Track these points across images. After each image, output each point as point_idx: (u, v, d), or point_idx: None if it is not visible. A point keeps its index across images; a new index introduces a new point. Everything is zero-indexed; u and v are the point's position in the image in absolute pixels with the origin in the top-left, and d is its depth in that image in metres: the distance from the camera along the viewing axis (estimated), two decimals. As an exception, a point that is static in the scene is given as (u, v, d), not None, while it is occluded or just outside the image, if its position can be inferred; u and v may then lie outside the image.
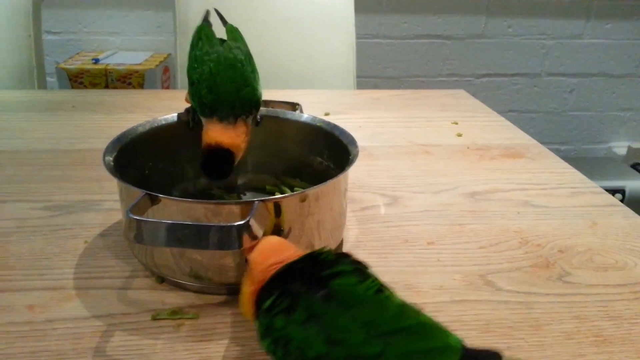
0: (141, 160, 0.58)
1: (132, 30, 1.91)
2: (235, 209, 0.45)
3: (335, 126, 0.61)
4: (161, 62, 1.77)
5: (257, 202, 0.44)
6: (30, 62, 1.22)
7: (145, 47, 1.91)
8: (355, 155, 0.53)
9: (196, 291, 0.48)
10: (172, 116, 0.61)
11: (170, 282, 0.49)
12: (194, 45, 0.60)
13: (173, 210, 0.45)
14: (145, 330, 0.44)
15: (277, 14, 1.25)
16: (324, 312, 0.32)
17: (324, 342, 0.30)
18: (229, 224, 0.41)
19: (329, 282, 0.33)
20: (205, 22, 0.63)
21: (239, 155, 0.58)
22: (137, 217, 0.40)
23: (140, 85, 1.66)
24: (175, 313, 0.45)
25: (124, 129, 0.56)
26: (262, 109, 0.64)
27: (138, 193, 0.44)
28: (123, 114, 0.93)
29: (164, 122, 0.61)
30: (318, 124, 0.62)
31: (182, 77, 1.24)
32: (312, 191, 0.48)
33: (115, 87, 1.65)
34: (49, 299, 0.47)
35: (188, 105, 0.61)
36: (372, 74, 2.06)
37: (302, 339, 0.31)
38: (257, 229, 0.42)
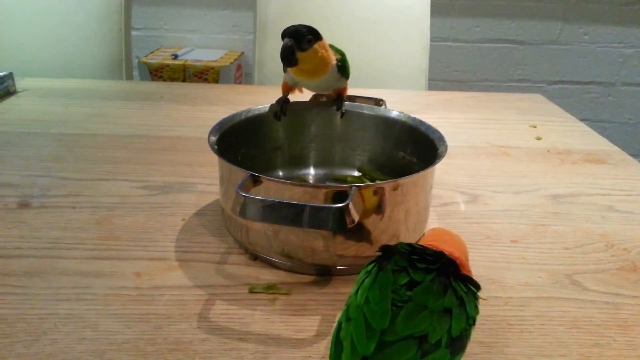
0: (236, 147, 0.62)
1: (209, 29, 1.99)
2: (332, 193, 0.47)
3: (421, 122, 0.62)
4: (235, 59, 1.83)
5: (354, 187, 0.46)
6: (120, 55, 1.30)
7: (220, 45, 1.98)
8: (445, 150, 0.55)
9: (287, 270, 0.51)
10: (265, 107, 0.65)
11: (263, 260, 0.52)
12: None
13: (273, 190, 0.48)
14: (243, 301, 0.47)
15: (353, 14, 1.28)
16: (368, 284, 0.36)
17: (357, 307, 0.35)
18: (328, 206, 0.43)
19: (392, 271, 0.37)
20: None
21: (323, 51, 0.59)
22: (245, 194, 0.43)
23: (215, 81, 1.73)
24: (270, 288, 0.48)
25: (208, 120, 0.60)
26: (347, 104, 0.67)
27: (242, 174, 0.47)
28: (206, 106, 0.98)
29: (257, 112, 0.64)
30: (404, 119, 0.64)
31: (258, 74, 1.29)
32: (404, 181, 0.50)
33: (192, 82, 1.72)
34: (153, 268, 0.51)
35: (281, 95, 0.64)
36: (441, 77, 2.05)
37: (353, 298, 0.37)
38: (354, 213, 0.45)
